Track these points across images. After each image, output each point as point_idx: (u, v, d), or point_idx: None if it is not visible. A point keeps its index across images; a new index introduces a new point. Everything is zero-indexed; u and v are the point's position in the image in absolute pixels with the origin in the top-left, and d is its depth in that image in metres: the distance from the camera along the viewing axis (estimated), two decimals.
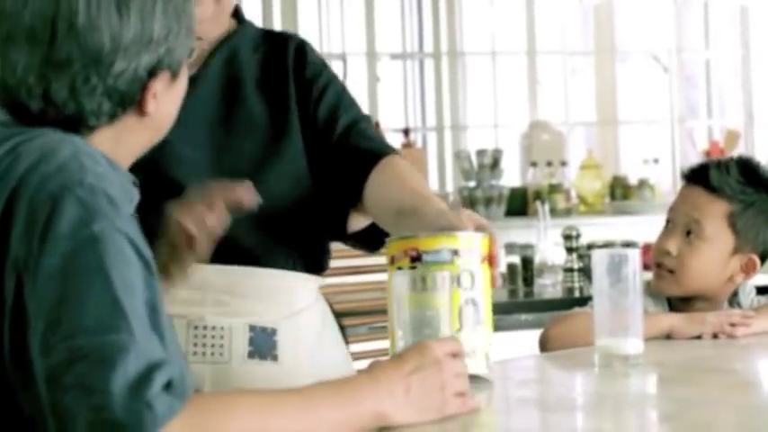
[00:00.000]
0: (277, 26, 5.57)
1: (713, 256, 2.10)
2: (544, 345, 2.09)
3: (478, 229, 1.58)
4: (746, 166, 2.14)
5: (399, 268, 1.49)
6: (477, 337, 1.55)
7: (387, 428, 1.33)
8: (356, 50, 5.74)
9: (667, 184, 6.08)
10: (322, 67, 1.95)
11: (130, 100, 1.36)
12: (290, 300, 1.86)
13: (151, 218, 1.50)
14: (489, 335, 1.57)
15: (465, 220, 1.57)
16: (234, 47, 1.91)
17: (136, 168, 1.44)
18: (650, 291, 2.15)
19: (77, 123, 1.35)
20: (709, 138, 6.23)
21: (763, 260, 2.15)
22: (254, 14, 5.54)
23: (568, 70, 6.14)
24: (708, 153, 5.81)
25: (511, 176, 5.69)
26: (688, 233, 2.11)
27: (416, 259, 1.50)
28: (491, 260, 1.57)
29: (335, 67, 5.71)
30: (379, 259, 2.42)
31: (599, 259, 1.76)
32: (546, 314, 3.19)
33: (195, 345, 1.79)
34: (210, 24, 1.87)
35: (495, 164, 5.46)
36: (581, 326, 1.97)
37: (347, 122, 1.91)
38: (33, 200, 1.23)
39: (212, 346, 1.79)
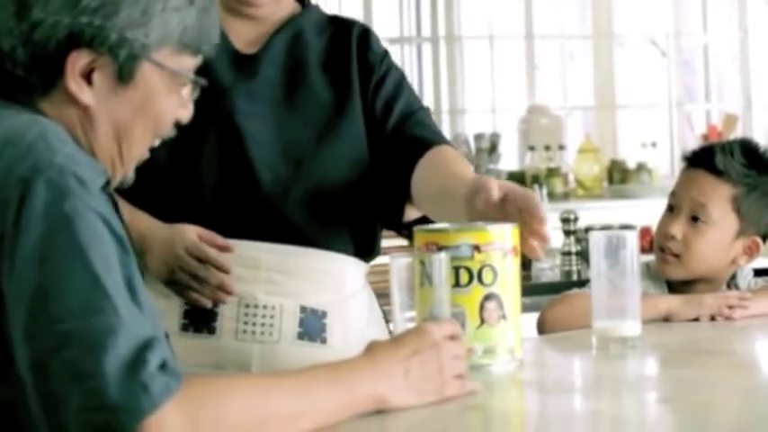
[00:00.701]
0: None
1: (718, 240, 2.11)
2: (542, 327, 2.10)
3: (512, 201, 1.55)
4: (749, 149, 2.14)
5: (422, 262, 1.48)
6: (499, 332, 1.55)
7: (386, 411, 1.33)
8: None
9: (665, 167, 6.08)
10: (383, 54, 1.96)
11: (47, 61, 1.30)
12: (341, 284, 1.88)
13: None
14: (515, 330, 1.57)
15: (493, 186, 1.55)
16: (298, 28, 1.92)
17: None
18: (649, 274, 2.15)
19: (4, 72, 1.31)
20: (708, 122, 6.23)
21: (764, 241, 2.16)
22: None
23: (566, 54, 6.13)
24: (706, 137, 5.81)
25: (509, 160, 5.69)
26: (693, 217, 2.10)
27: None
28: (536, 240, 1.55)
29: None
30: (383, 242, 2.42)
31: (596, 241, 1.76)
32: (544, 297, 3.19)
33: (246, 323, 1.81)
34: (273, 6, 1.89)
35: (493, 148, 5.46)
36: (578, 307, 1.98)
37: (403, 111, 1.92)
38: (3, 183, 1.21)
39: (262, 325, 1.81)
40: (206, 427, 1.19)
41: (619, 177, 5.70)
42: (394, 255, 1.53)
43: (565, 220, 3.57)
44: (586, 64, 6.21)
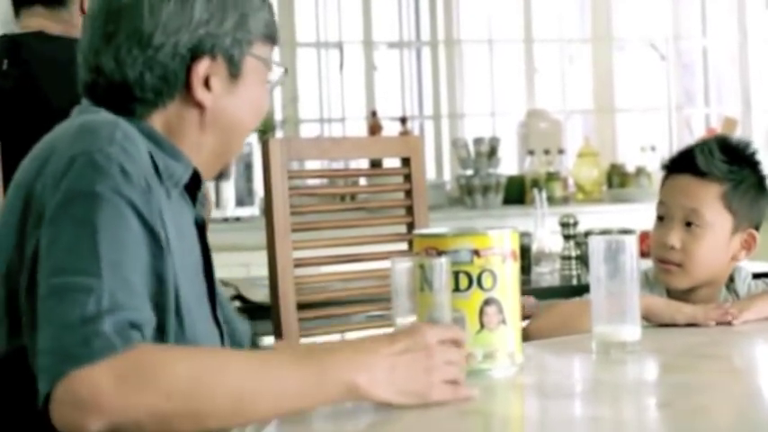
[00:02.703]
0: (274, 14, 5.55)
1: (717, 241, 2.10)
2: (526, 339, 2.10)
3: None
4: (727, 146, 2.14)
5: (422, 266, 1.48)
6: (499, 337, 1.54)
7: (383, 413, 1.33)
8: (353, 39, 5.73)
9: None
10: None
11: (174, 77, 1.46)
12: None
13: None
14: (515, 334, 1.57)
15: None
16: None
17: None
18: (648, 282, 2.15)
19: (127, 95, 1.46)
20: (707, 125, 6.23)
21: (757, 230, 2.16)
22: None
23: (566, 58, 6.13)
24: None
25: (508, 165, 5.69)
26: (687, 223, 2.10)
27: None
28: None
29: (332, 55, 5.70)
30: (378, 247, 2.42)
31: (596, 246, 1.76)
32: (544, 302, 3.19)
33: None
34: None
35: (493, 152, 5.45)
36: (557, 315, 1.99)
37: None
38: (59, 159, 1.35)
39: None
40: (135, 393, 1.22)
41: (618, 181, 5.70)
42: (395, 259, 1.53)
43: (564, 225, 3.56)
44: (585, 68, 6.20)
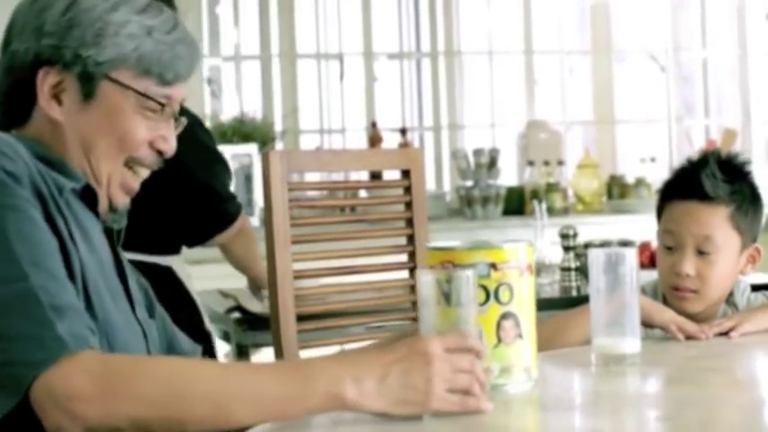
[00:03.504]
0: (274, 26, 5.56)
1: (728, 262, 2.10)
2: None
3: None
4: (725, 164, 2.12)
5: (447, 280, 1.45)
6: (515, 351, 1.53)
7: (381, 424, 1.32)
8: (353, 50, 5.74)
9: None
10: None
11: (24, 85, 1.49)
12: None
13: None
14: (531, 348, 1.55)
15: None
16: None
17: None
18: (654, 298, 2.14)
19: None
20: (707, 137, 6.23)
21: (755, 241, 2.16)
22: (251, 14, 5.54)
23: (565, 69, 6.14)
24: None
25: (508, 176, 5.69)
26: (699, 251, 2.09)
27: None
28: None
29: (332, 66, 5.71)
30: (378, 259, 2.42)
31: (596, 258, 1.76)
32: (543, 313, 3.18)
33: None
34: None
35: (493, 163, 5.46)
36: (548, 330, 1.98)
37: None
38: None
39: None
40: (114, 400, 1.26)
41: (618, 192, 5.70)
42: (420, 270, 1.51)
43: (564, 236, 3.56)
44: (585, 79, 6.21)
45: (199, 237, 2.95)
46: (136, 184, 1.55)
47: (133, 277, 1.63)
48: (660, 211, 2.17)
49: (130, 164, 1.53)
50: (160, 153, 1.54)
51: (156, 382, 1.28)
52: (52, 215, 1.41)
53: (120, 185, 1.54)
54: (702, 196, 2.08)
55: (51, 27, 1.48)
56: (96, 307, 1.43)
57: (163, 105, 1.52)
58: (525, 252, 1.54)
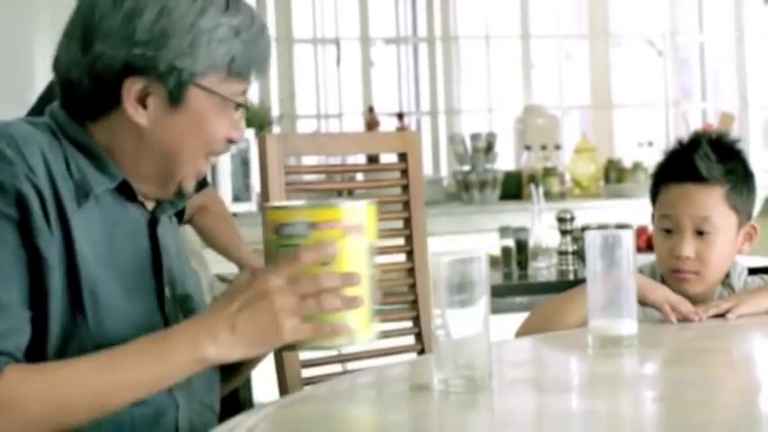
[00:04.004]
0: (270, 10, 5.55)
1: (727, 243, 2.11)
2: (523, 330, 2.10)
3: None
4: (717, 145, 2.13)
5: (267, 240, 1.45)
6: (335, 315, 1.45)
7: (378, 405, 1.32)
8: (350, 35, 5.73)
9: None
10: None
11: (108, 89, 1.47)
12: None
13: None
14: (357, 313, 1.46)
15: None
16: None
17: None
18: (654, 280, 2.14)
19: (71, 96, 1.50)
20: (704, 121, 6.23)
21: (749, 219, 2.17)
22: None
23: (562, 54, 6.13)
24: None
25: (505, 160, 5.69)
26: (698, 232, 2.10)
27: (277, 232, 1.44)
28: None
29: (329, 51, 5.70)
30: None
31: (592, 241, 1.76)
32: (540, 297, 3.19)
33: None
34: None
35: (490, 148, 5.45)
36: (542, 317, 1.99)
37: None
38: None
39: None
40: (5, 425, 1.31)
41: (615, 177, 5.70)
42: (433, 254, 1.51)
43: (561, 220, 3.57)
44: (582, 63, 6.20)
45: None
46: (206, 170, 1.58)
47: (181, 260, 1.64)
48: (654, 195, 2.18)
49: (208, 156, 1.55)
50: (232, 141, 1.56)
51: (40, 404, 1.33)
52: (33, 224, 1.39)
53: (194, 176, 1.55)
54: (698, 178, 2.09)
55: (144, 36, 1.45)
56: (92, 316, 1.43)
57: (243, 104, 1.54)
58: (353, 211, 1.46)
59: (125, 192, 1.53)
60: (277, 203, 1.53)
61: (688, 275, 2.10)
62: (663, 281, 2.14)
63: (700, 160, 2.09)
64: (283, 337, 1.38)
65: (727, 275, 2.18)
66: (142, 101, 1.48)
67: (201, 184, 2.91)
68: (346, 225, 1.44)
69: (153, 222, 1.57)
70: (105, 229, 1.48)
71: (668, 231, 2.12)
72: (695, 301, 2.05)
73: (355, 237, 1.45)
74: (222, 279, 3.25)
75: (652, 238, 2.19)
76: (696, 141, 2.14)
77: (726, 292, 2.16)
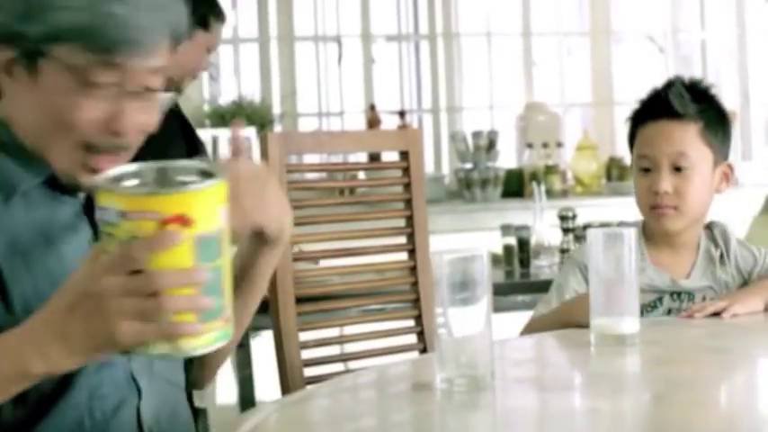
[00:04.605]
0: (272, 9, 5.55)
1: (704, 178, 2.15)
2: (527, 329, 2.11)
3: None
4: (691, 87, 2.19)
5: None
6: None
7: (376, 409, 1.32)
8: (351, 32, 5.73)
9: None
10: None
11: None
12: None
13: None
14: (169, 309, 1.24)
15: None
16: None
17: None
18: (645, 233, 2.19)
19: None
20: None
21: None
22: None
23: (564, 51, 6.12)
24: None
25: (507, 158, 5.68)
26: (675, 168, 2.13)
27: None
28: None
29: (330, 49, 5.70)
30: (376, 241, 2.42)
31: (594, 238, 1.76)
32: (542, 295, 3.19)
33: None
34: None
35: (491, 145, 5.45)
36: (555, 323, 1.99)
37: None
38: None
39: None
40: None
41: (617, 174, 5.69)
42: (434, 253, 1.51)
43: (563, 218, 3.56)
44: (584, 61, 6.20)
45: None
46: (109, 166, 1.32)
47: None
48: (632, 138, 2.23)
49: (89, 148, 1.40)
50: (114, 132, 1.39)
51: None
52: None
53: (82, 168, 1.41)
54: (673, 114, 2.15)
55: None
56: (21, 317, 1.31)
57: (115, 82, 1.38)
58: (178, 201, 1.21)
59: (56, 185, 1.44)
60: (105, 174, 1.26)
61: (667, 210, 2.14)
62: (644, 228, 2.19)
63: (674, 97, 2.15)
64: (120, 342, 1.20)
65: (711, 230, 2.19)
66: (9, 70, 1.39)
67: None
68: (165, 217, 1.20)
69: (90, 208, 1.40)
70: (36, 226, 1.40)
71: (646, 170, 2.17)
72: (679, 242, 2.15)
73: (180, 229, 1.21)
74: None
75: (633, 181, 2.22)
76: (671, 83, 2.20)
77: (711, 247, 2.21)
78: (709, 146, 2.15)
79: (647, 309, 2.12)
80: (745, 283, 2.18)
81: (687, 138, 2.13)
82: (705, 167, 2.15)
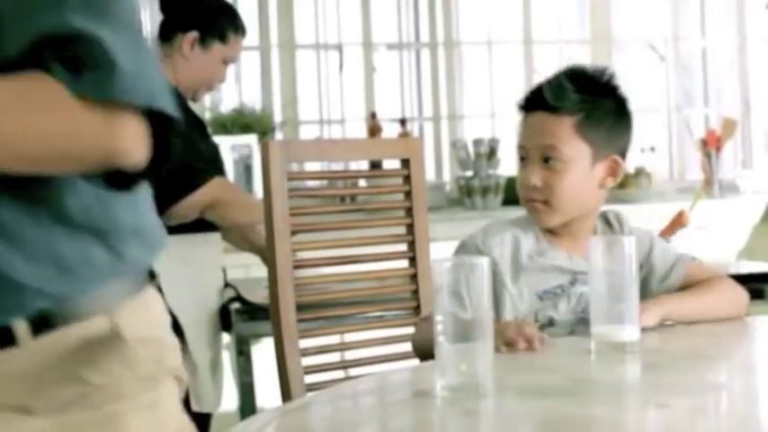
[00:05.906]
0: (273, 16, 5.56)
1: (578, 173, 2.09)
2: (415, 351, 2.04)
3: None
4: (578, 76, 2.12)
5: None
6: None
7: (372, 415, 1.33)
8: (352, 41, 5.74)
9: (664, 172, 6.08)
10: None
11: None
12: None
13: None
14: None
15: None
16: None
17: None
18: (524, 224, 2.13)
19: None
20: (706, 126, 6.23)
21: (623, 158, 2.16)
22: (250, 5, 5.54)
23: (565, 59, 6.13)
24: (705, 142, 5.81)
25: (508, 166, 5.68)
26: (545, 160, 2.09)
27: None
28: None
29: (331, 57, 5.71)
30: (377, 249, 2.42)
31: (594, 246, 1.76)
32: None
33: None
34: None
35: (492, 153, 5.46)
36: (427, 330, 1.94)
37: None
38: None
39: None
40: None
41: (617, 182, 5.69)
42: (435, 260, 1.51)
43: None
44: None
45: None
46: None
47: None
48: (519, 128, 2.19)
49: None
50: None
51: None
52: None
53: None
54: (546, 107, 2.08)
55: None
56: None
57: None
58: None
59: None
60: None
61: (538, 205, 2.10)
62: (526, 230, 2.13)
63: (549, 90, 2.09)
64: None
65: (608, 221, 2.19)
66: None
67: (186, 187, 2.90)
68: None
69: None
70: None
71: (523, 160, 2.13)
72: (566, 235, 2.10)
73: None
74: (226, 284, 3.25)
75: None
76: (556, 74, 2.13)
77: (608, 231, 2.18)
78: (587, 140, 2.08)
79: (555, 294, 2.06)
80: (641, 267, 2.11)
81: (560, 132, 2.07)
82: (580, 162, 2.08)
